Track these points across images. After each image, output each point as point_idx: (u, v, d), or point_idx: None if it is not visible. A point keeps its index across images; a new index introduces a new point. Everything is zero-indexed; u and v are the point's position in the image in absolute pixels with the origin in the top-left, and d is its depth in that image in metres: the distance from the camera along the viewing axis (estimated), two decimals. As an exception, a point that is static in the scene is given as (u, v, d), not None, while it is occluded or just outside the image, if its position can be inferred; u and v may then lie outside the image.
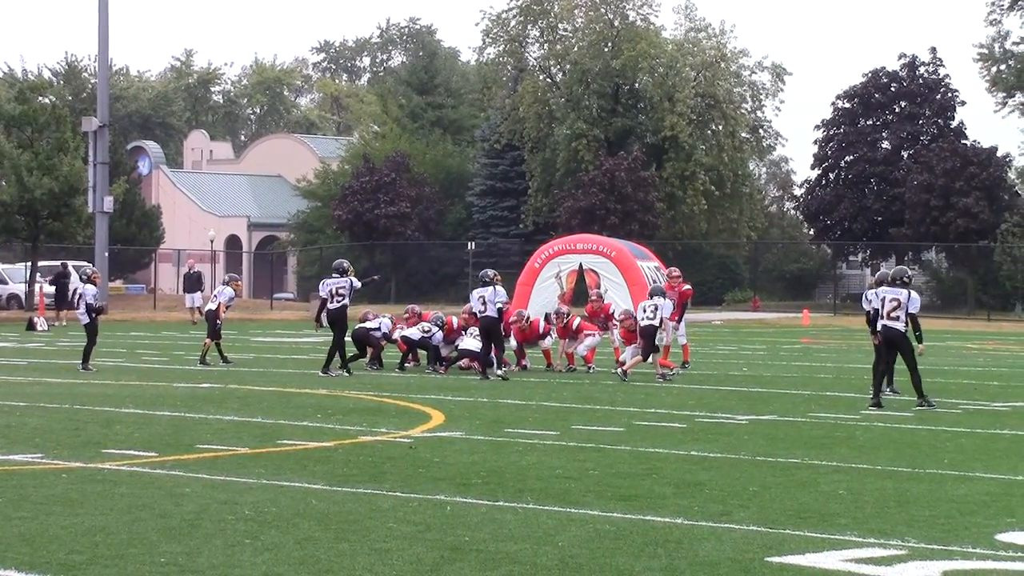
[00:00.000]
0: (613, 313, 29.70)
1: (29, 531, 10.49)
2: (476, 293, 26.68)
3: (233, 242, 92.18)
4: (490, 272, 27.19)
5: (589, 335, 28.56)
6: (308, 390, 23.13)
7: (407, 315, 29.53)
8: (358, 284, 27.29)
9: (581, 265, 56.29)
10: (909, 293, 21.47)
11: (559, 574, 9.21)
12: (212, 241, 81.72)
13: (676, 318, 27.80)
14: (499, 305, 26.36)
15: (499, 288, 26.58)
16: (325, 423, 18.16)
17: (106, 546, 9.94)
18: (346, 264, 27.30)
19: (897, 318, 21.32)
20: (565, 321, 28.64)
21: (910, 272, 22.55)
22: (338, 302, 26.49)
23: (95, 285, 28.48)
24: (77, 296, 28.43)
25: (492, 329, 26.41)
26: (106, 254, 58.84)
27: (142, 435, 16.60)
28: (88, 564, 9.36)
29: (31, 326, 44.86)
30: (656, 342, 25.98)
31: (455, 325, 28.61)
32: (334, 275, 26.85)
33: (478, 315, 26.57)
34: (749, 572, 9.34)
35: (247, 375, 26.58)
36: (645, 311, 26.01)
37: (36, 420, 18.21)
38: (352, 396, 22.15)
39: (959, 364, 33.05)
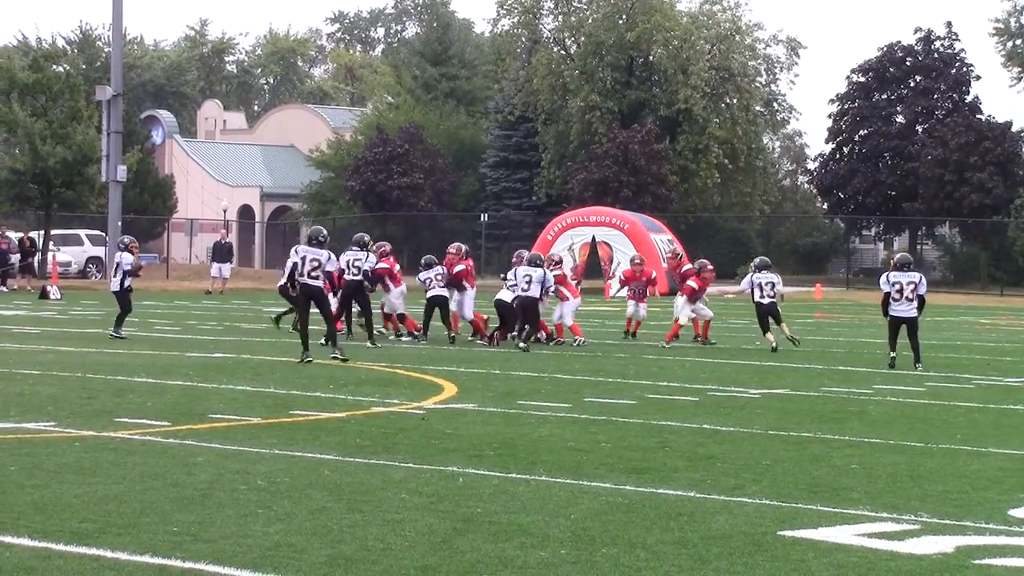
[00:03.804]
0: (655, 279, 29.77)
1: (42, 499, 10.50)
2: (523, 271, 26.80)
3: (246, 212, 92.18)
4: (542, 256, 28.37)
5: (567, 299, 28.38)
6: (320, 360, 23.12)
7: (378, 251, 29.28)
8: (373, 261, 27.07)
9: (594, 238, 56.31)
10: (921, 276, 23.65)
11: (571, 546, 9.21)
12: (225, 211, 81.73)
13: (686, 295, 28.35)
14: (549, 287, 27.09)
15: (549, 273, 27.27)
16: (337, 394, 18.17)
17: (118, 515, 9.96)
18: (367, 238, 27.27)
19: (912, 300, 23.09)
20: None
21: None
22: (353, 275, 26.43)
23: (132, 254, 28.57)
24: (115, 265, 28.62)
25: (529, 308, 26.67)
26: (119, 223, 58.83)
27: (155, 404, 16.62)
28: (100, 533, 9.37)
29: (44, 294, 44.90)
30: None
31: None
32: (353, 248, 26.79)
33: (520, 292, 26.76)
34: (761, 546, 9.33)
35: (259, 345, 26.60)
36: (763, 288, 27.36)
37: (49, 388, 18.23)
38: (364, 367, 22.15)
39: (972, 339, 33.01)
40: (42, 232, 60.42)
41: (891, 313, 23.35)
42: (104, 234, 62.48)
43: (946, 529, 9.99)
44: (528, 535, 9.50)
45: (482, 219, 73.81)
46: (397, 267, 29.36)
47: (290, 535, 9.38)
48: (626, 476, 11.95)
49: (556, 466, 12.41)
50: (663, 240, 57.40)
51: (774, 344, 26.86)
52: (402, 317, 28.91)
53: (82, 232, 66.40)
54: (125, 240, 29.35)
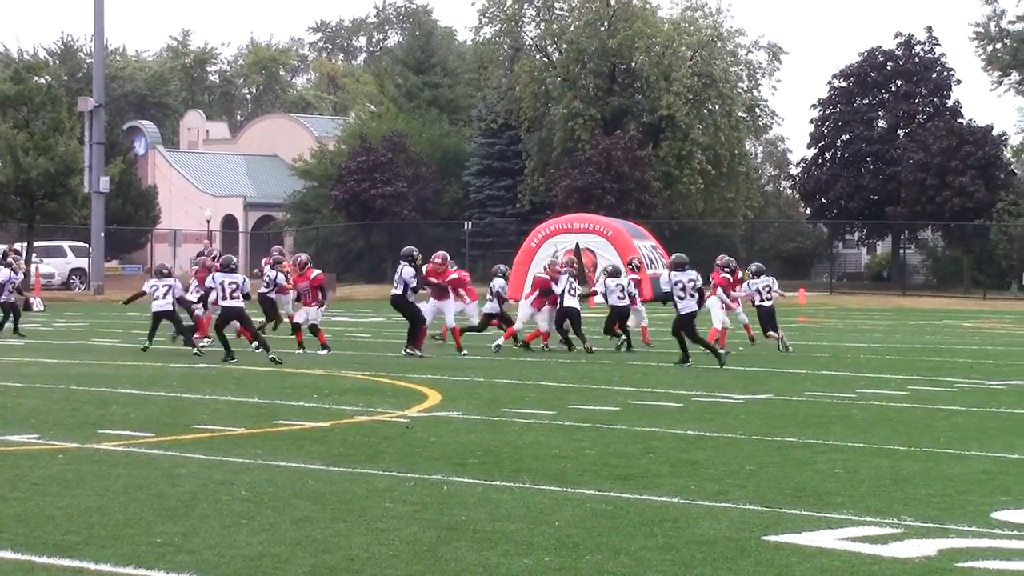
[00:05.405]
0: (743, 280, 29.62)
1: (25, 512, 10.48)
2: (614, 282, 28.40)
3: (229, 222, 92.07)
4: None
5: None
6: (304, 370, 23.13)
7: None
8: (412, 273, 26.93)
9: (578, 245, 56.30)
10: (697, 273, 25.25)
11: (555, 553, 9.21)
12: (208, 221, 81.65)
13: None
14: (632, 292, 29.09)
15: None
16: (321, 403, 18.16)
17: (102, 526, 9.94)
18: (416, 252, 27.19)
19: (694, 296, 24.53)
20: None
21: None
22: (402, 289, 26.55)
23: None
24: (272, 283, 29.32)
25: (622, 315, 28.32)
26: (102, 234, 58.83)
27: (138, 415, 16.60)
28: (84, 545, 9.35)
29: (27, 306, 44.76)
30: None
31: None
32: (402, 261, 26.77)
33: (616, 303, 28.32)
34: (745, 551, 9.34)
35: (243, 355, 26.54)
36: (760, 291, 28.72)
37: (32, 401, 18.20)
38: (348, 376, 22.15)
39: (955, 343, 33.08)
40: (25, 244, 60.31)
41: (683, 311, 24.42)
42: (87, 245, 62.42)
43: (929, 532, 10.00)
44: (512, 543, 9.50)
45: (466, 227, 73.83)
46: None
47: (274, 545, 9.37)
48: (610, 482, 11.95)
49: (540, 473, 12.41)
50: (647, 247, 57.45)
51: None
52: (314, 329, 28.02)
53: (65, 244, 66.33)
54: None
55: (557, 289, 28.14)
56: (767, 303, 28.59)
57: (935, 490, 11.78)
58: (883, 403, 18.78)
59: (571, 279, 28.40)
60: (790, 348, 28.51)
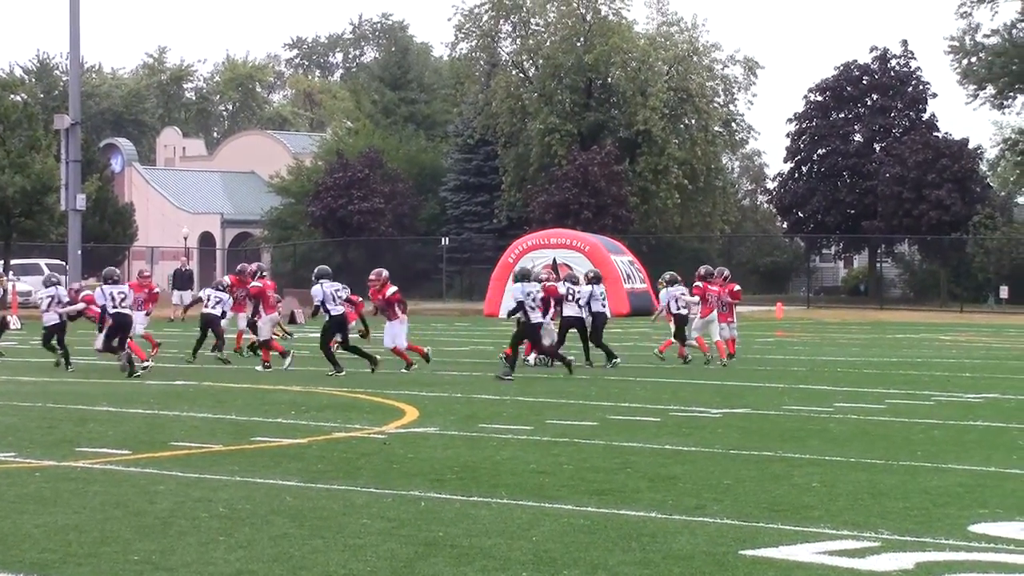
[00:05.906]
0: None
1: (1, 530, 10.45)
2: (598, 290, 28.57)
3: (207, 239, 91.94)
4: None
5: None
6: (282, 387, 23.10)
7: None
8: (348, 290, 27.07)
9: (555, 260, 56.33)
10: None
11: (533, 569, 9.21)
12: (186, 238, 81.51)
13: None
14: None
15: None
16: (299, 420, 18.14)
17: (79, 544, 9.92)
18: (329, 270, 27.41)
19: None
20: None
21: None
22: (342, 303, 26.63)
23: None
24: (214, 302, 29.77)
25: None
26: (79, 252, 58.55)
27: (116, 433, 16.57)
28: (61, 563, 9.33)
29: (4, 324, 44.58)
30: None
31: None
32: (326, 280, 26.91)
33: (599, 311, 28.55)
34: (723, 565, 9.36)
35: (221, 372, 26.53)
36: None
37: (9, 419, 18.15)
38: (326, 392, 22.13)
39: (932, 356, 33.15)
40: (2, 262, 60.13)
41: (534, 321, 25.69)
42: (64, 263, 62.20)
43: (906, 546, 10.02)
44: (490, 558, 9.50)
45: (443, 243, 73.84)
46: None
47: (251, 562, 9.36)
48: (588, 497, 11.96)
49: (518, 489, 12.41)
50: (624, 262, 57.53)
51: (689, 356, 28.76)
52: (265, 343, 28.05)
53: (42, 261, 66.06)
54: (225, 282, 31.69)
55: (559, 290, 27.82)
56: (683, 311, 29.13)
57: (912, 503, 11.80)
58: (860, 417, 18.82)
59: (571, 285, 27.85)
60: (689, 359, 28.81)
